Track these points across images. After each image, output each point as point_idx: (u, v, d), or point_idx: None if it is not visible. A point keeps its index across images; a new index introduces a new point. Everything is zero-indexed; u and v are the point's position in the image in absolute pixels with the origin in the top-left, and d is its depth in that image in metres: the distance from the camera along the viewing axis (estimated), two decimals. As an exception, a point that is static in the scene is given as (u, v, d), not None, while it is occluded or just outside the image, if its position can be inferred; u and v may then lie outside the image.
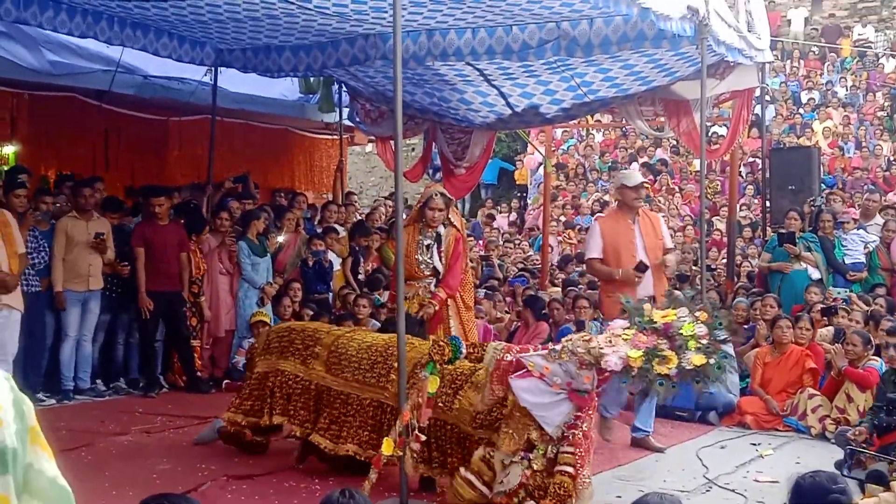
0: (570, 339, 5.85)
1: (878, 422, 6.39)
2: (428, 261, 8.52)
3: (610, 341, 5.69)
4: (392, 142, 11.19)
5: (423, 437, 6.14)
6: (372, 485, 6.04)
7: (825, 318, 10.48)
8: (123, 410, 9.63)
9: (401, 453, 6.04)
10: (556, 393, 5.81)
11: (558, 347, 5.86)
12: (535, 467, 5.76)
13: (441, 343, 6.52)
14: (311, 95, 14.57)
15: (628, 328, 5.76)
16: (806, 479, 3.96)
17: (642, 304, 5.95)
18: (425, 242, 8.52)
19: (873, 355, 9.05)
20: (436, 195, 8.53)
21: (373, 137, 15.24)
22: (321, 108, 14.57)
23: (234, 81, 12.60)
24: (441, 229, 8.56)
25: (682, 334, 5.64)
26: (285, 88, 14.27)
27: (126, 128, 12.84)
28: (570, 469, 5.72)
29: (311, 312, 11.12)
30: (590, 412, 5.98)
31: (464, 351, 6.53)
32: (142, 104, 12.79)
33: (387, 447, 5.99)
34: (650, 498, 3.52)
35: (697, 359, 5.58)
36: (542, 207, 17.39)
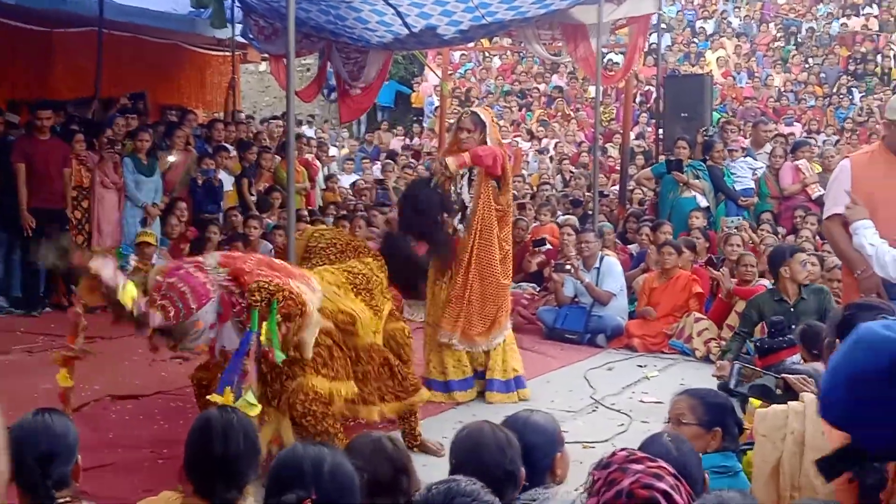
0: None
1: (761, 343, 6.56)
2: (455, 192, 7.46)
3: None
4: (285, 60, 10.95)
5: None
6: None
7: (706, 241, 10.78)
8: (4, 329, 9.38)
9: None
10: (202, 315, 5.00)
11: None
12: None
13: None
14: (202, 10, 14.12)
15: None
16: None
17: None
18: (459, 172, 7.38)
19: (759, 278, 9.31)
20: (465, 114, 7.50)
21: (266, 55, 14.95)
22: (213, 24, 14.10)
23: (121, -7, 12.19)
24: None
25: None
26: (175, 2, 13.82)
27: (7, 39, 12.31)
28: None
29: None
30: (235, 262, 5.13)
31: (131, 263, 5.33)
32: (24, 14, 12.25)
33: None
34: (520, 414, 3.61)
35: None
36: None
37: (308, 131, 19.79)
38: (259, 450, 3.37)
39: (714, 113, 15.94)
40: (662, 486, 2.52)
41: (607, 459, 2.67)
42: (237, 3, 13.12)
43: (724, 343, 8.79)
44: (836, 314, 3.67)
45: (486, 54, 24.71)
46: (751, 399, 4.80)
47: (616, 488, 2.54)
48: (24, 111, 11.32)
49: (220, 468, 3.24)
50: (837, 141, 18.12)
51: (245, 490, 3.29)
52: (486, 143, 7.32)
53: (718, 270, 9.84)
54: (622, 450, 2.74)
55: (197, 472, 3.30)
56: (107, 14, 12.35)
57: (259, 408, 4.85)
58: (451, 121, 19.79)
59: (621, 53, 18.15)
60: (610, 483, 2.56)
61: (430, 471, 5.12)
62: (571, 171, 16.85)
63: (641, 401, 7.70)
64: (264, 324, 4.92)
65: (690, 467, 3.14)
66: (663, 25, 19.19)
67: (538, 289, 11.17)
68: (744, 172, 12.14)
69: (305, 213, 11.82)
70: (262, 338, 4.88)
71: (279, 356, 4.94)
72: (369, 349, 5.86)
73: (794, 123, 20.31)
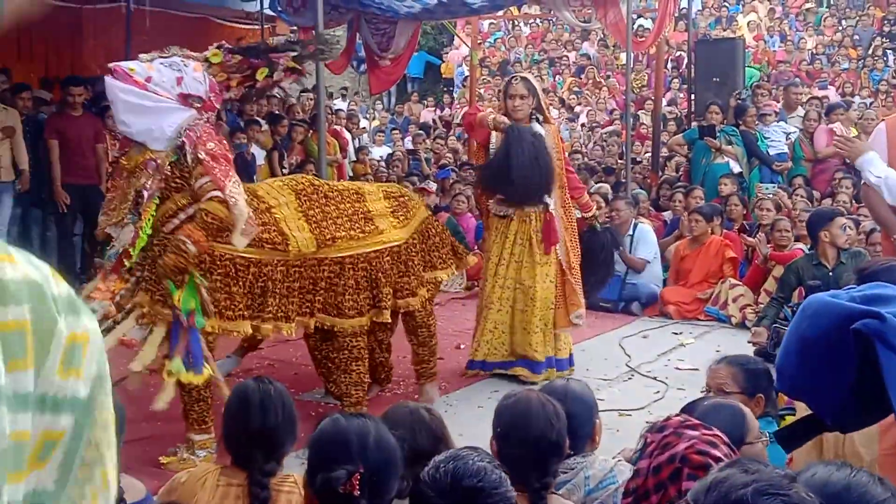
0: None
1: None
2: None
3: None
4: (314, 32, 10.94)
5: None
6: None
7: (742, 208, 10.69)
8: (42, 306, 9.44)
9: None
10: (161, 99, 5.09)
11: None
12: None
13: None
14: (230, -17, 14.18)
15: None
16: None
17: None
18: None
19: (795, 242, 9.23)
20: (515, 80, 7.13)
21: (295, 28, 14.91)
22: (241, -3, 14.20)
23: (149, -33, 12.19)
24: (535, 126, 7.02)
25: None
26: (203, -24, 13.86)
27: (37, 16, 12.34)
28: (216, 193, 5.06)
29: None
30: (209, 127, 5.31)
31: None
32: (53, -9, 12.31)
33: None
34: (557, 383, 3.63)
35: None
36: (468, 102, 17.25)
37: (341, 104, 19.76)
38: (296, 419, 3.38)
39: (747, 70, 15.78)
40: (717, 453, 2.53)
41: (662, 423, 2.69)
42: (265, -24, 13.12)
43: (760, 309, 8.73)
44: (848, 279, 3.54)
45: (516, 22, 24.57)
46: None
47: (670, 452, 2.55)
48: (57, 88, 11.37)
49: (258, 440, 3.25)
50: (872, 103, 17.89)
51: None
52: (540, 108, 7.13)
53: (751, 236, 9.76)
54: (677, 415, 2.75)
55: (235, 443, 3.32)
56: (135, -11, 12.39)
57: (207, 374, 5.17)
58: (482, 91, 19.75)
59: (651, 18, 17.98)
60: (664, 447, 2.57)
61: (467, 440, 5.13)
62: (604, 136, 16.79)
63: (677, 368, 7.68)
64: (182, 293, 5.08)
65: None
66: (694, -11, 18.97)
67: (571, 257, 11.11)
68: (777, 137, 12.02)
69: (337, 185, 11.81)
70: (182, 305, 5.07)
71: (200, 322, 5.13)
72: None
73: (828, 86, 20.05)
